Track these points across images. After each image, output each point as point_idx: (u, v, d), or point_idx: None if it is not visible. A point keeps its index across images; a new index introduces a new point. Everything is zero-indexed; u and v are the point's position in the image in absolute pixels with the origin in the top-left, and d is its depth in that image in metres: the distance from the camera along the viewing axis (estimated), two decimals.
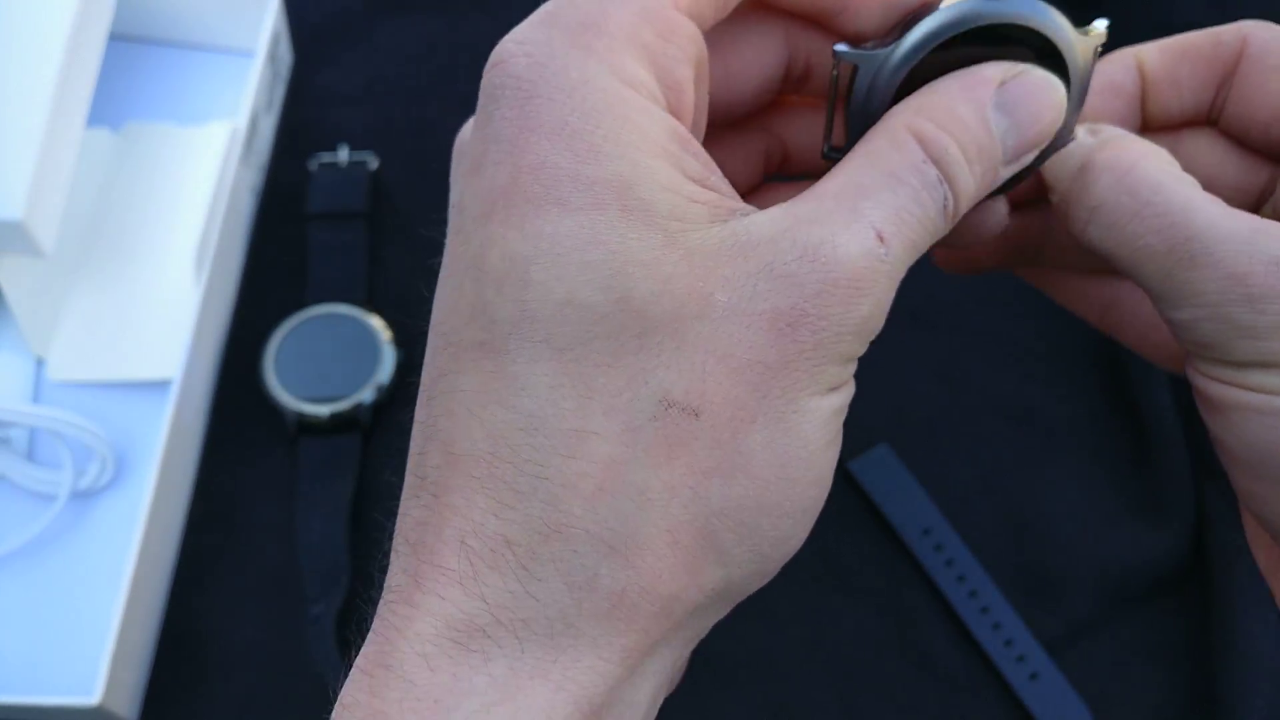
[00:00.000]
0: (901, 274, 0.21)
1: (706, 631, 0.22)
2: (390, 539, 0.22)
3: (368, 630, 0.21)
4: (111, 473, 0.45)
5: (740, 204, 0.21)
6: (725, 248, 0.20)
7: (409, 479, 0.22)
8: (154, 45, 0.55)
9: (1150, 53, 0.27)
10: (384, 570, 0.22)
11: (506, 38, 0.22)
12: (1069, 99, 0.24)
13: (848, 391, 0.21)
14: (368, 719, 0.19)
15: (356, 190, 0.51)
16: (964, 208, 0.22)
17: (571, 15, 0.21)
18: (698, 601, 0.21)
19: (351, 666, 0.21)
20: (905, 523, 0.44)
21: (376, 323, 0.47)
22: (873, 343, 0.22)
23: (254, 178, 0.51)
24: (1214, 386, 0.24)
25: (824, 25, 0.25)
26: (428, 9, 0.57)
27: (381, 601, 0.21)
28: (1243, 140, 0.26)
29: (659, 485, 0.20)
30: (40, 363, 0.47)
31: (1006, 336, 0.49)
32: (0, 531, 0.44)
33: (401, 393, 0.48)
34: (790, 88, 0.26)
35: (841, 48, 0.23)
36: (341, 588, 0.43)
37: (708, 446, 0.20)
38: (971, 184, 0.22)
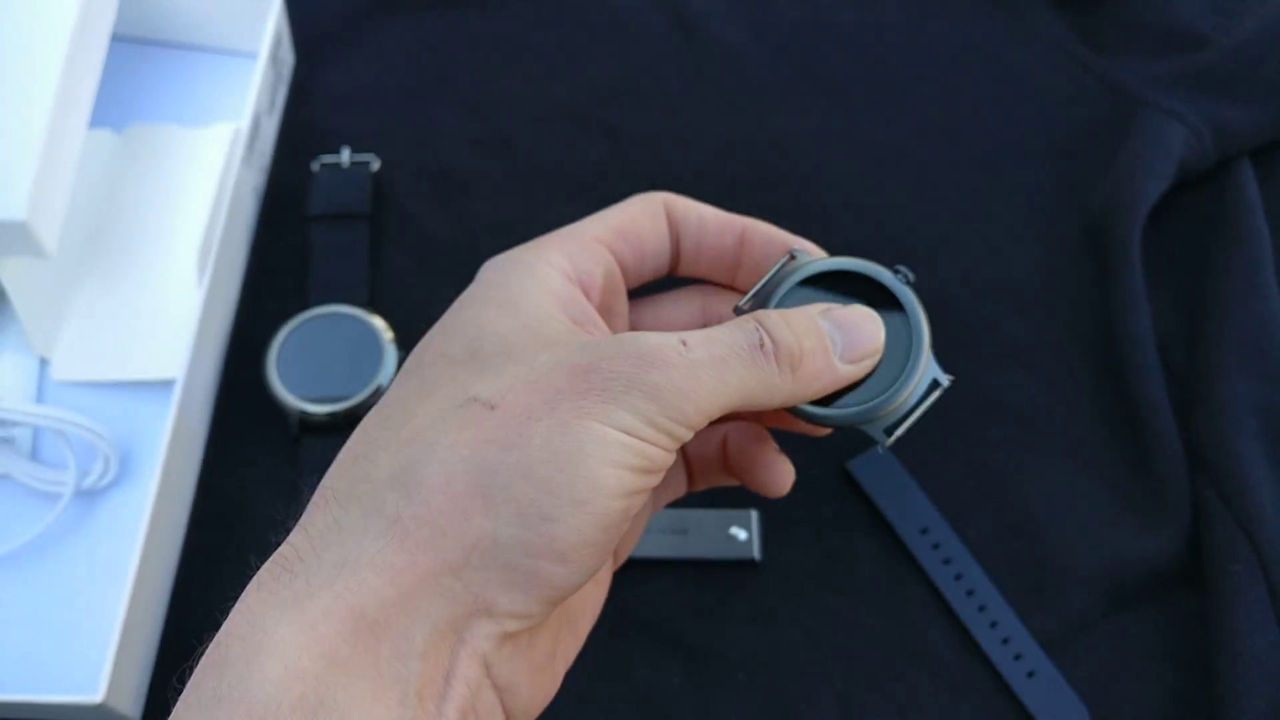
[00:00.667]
0: (716, 383, 0.27)
1: (500, 610, 0.26)
2: None
3: None
4: (115, 472, 0.45)
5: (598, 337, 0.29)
6: (566, 338, 0.28)
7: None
8: (157, 47, 0.55)
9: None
10: None
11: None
12: (914, 334, 0.31)
13: (652, 451, 0.27)
14: (216, 639, 0.25)
15: (358, 191, 0.51)
16: (787, 354, 0.29)
17: (536, 240, 0.32)
18: (465, 544, 0.26)
19: None
20: (902, 522, 0.44)
21: (378, 323, 0.48)
22: None
23: (256, 179, 0.52)
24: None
25: (727, 288, 0.35)
26: (429, 11, 0.57)
27: None
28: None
29: (446, 443, 0.26)
30: (44, 363, 0.48)
31: (1003, 335, 0.49)
32: (4, 530, 0.44)
33: None
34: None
35: (738, 303, 0.33)
36: None
37: (495, 426, 0.26)
38: (791, 338, 0.29)
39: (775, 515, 0.45)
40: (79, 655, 0.42)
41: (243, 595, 0.26)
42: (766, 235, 0.34)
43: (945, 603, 0.43)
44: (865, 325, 0.30)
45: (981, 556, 0.44)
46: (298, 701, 0.24)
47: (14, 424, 0.45)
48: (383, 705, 0.25)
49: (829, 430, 0.33)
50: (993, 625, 0.43)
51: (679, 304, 0.36)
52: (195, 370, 0.45)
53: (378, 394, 0.46)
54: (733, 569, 0.44)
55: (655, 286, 0.36)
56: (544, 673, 0.29)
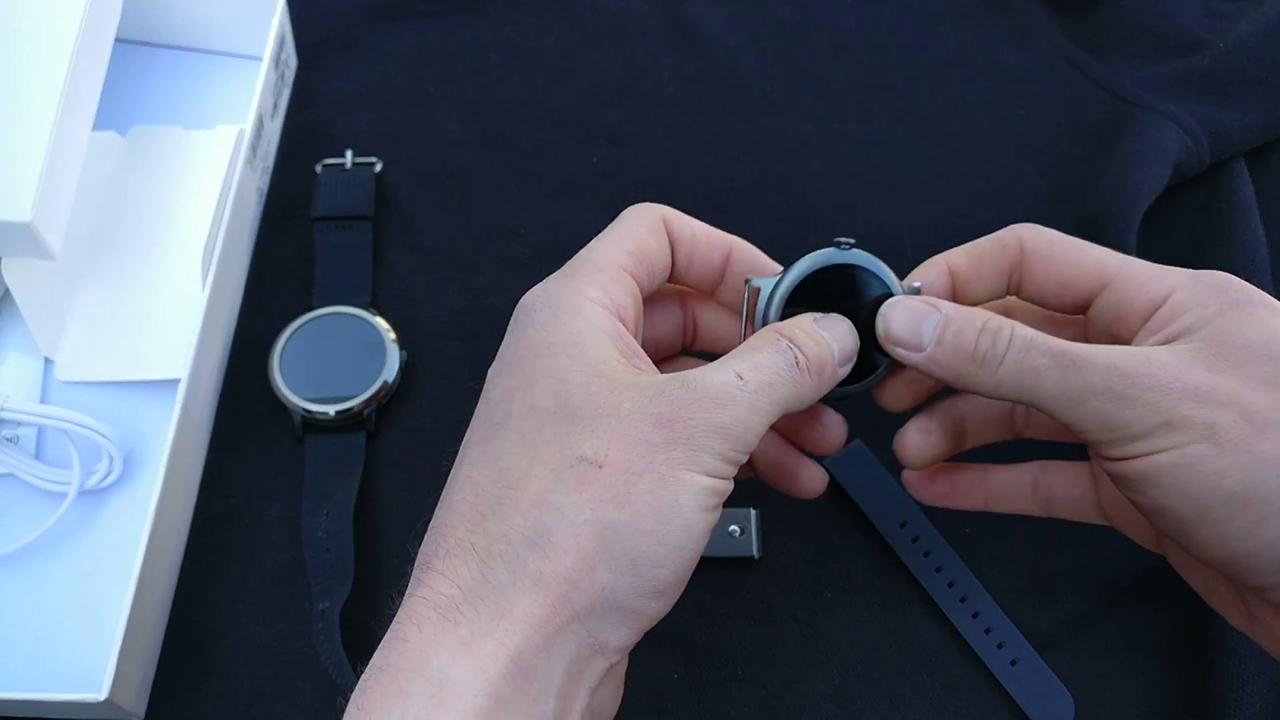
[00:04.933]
0: (768, 407, 0.31)
1: (610, 646, 0.30)
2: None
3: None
4: (119, 471, 0.45)
5: (654, 370, 0.33)
6: (635, 381, 0.31)
7: (431, 530, 0.32)
8: (160, 49, 0.55)
9: (957, 257, 0.38)
10: (401, 593, 0.31)
11: (530, 291, 0.35)
12: (888, 284, 0.36)
13: (724, 484, 0.31)
14: (375, 670, 0.29)
15: (361, 193, 0.52)
16: (816, 363, 0.33)
17: (559, 274, 0.35)
18: (591, 594, 0.29)
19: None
20: (882, 517, 0.45)
21: (381, 324, 0.48)
22: None
23: (260, 181, 0.52)
24: (1134, 464, 0.32)
25: (712, 298, 0.39)
26: (431, 15, 0.57)
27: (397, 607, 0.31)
28: (1045, 304, 0.38)
29: (570, 504, 0.30)
30: (49, 363, 0.48)
31: None
32: (10, 529, 0.45)
33: (405, 392, 0.48)
34: (688, 340, 0.40)
35: (751, 279, 0.37)
36: (346, 584, 0.43)
37: (606, 485, 0.30)
38: (816, 349, 0.33)
39: (774, 513, 0.45)
40: (83, 653, 0.42)
41: (399, 630, 0.29)
42: (750, 255, 0.38)
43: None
44: (846, 331, 0.35)
45: (976, 554, 0.44)
46: None
47: (19, 424, 0.45)
48: None
49: (837, 444, 0.39)
50: (975, 616, 0.43)
51: (665, 312, 0.39)
52: (199, 370, 0.45)
53: (380, 394, 0.46)
54: (732, 566, 0.45)
55: None
56: (619, 686, 0.33)
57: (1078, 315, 0.38)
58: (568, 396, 0.31)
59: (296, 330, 0.48)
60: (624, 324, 0.34)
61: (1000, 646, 0.43)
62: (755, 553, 0.44)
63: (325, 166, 0.52)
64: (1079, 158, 0.53)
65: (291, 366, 0.47)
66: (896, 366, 0.37)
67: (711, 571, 0.44)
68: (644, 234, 0.36)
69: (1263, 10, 0.53)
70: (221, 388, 0.48)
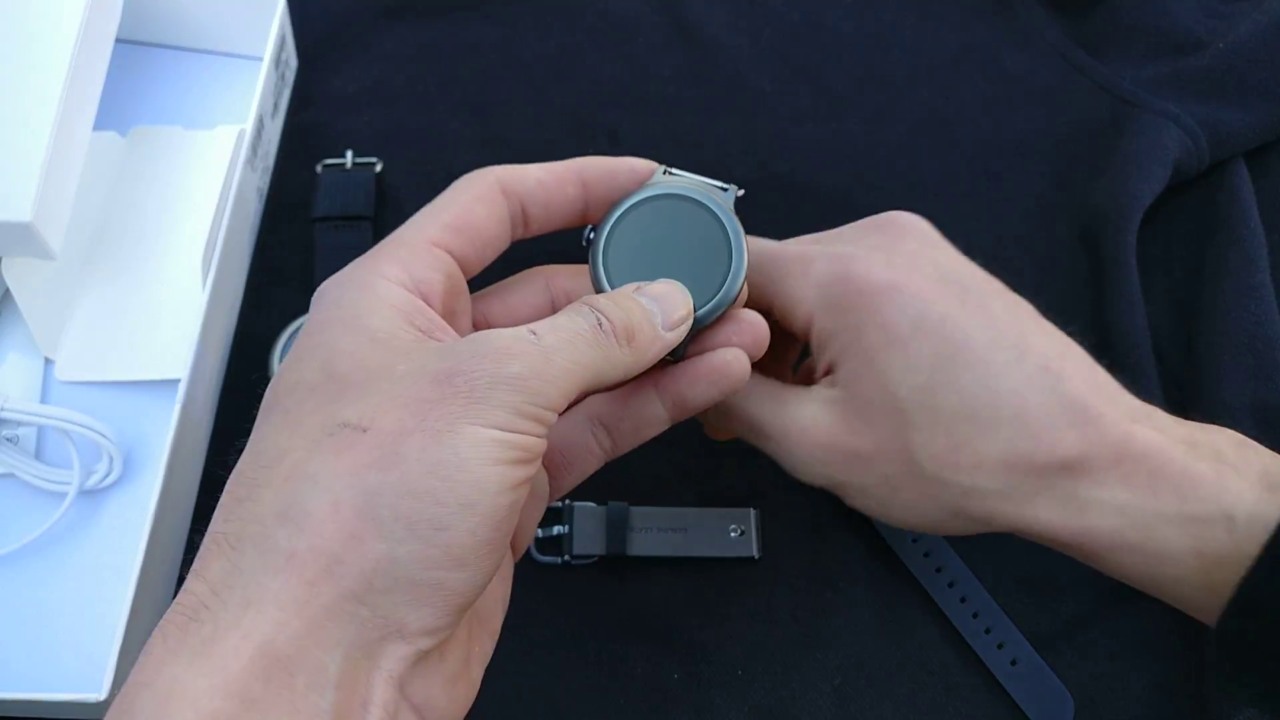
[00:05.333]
0: (567, 364, 0.29)
1: (411, 629, 0.27)
2: None
3: None
4: (119, 471, 0.45)
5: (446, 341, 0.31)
6: (417, 347, 0.29)
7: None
8: (161, 49, 0.55)
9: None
10: None
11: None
12: (733, 246, 0.35)
13: (525, 440, 0.28)
14: (123, 690, 0.25)
15: (361, 193, 0.52)
16: (623, 329, 0.31)
17: (370, 251, 0.33)
18: (364, 568, 0.26)
19: None
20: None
21: None
22: None
23: (260, 181, 0.52)
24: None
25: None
26: (431, 15, 0.57)
27: None
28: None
29: (327, 472, 0.27)
30: (49, 363, 0.48)
31: None
32: (9, 529, 0.45)
33: None
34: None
35: (587, 230, 0.36)
36: None
37: (370, 449, 0.27)
38: (622, 314, 0.31)
39: (774, 513, 0.45)
40: (83, 653, 0.42)
41: (146, 647, 0.26)
42: (605, 171, 0.36)
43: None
44: (675, 296, 0.33)
45: (976, 554, 0.44)
46: None
47: (19, 423, 0.45)
48: None
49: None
50: (975, 616, 0.43)
51: (524, 290, 0.37)
52: (199, 370, 0.45)
53: None
54: (732, 567, 0.45)
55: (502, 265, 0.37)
56: (460, 681, 0.30)
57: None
58: (335, 365, 0.29)
59: (296, 331, 0.47)
60: (427, 300, 0.32)
61: (1000, 647, 0.43)
62: (755, 553, 0.44)
63: (325, 167, 0.53)
64: (1078, 158, 0.53)
65: None
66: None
67: (711, 571, 0.44)
68: (468, 202, 0.34)
69: (1263, 10, 0.53)
70: (222, 388, 0.48)
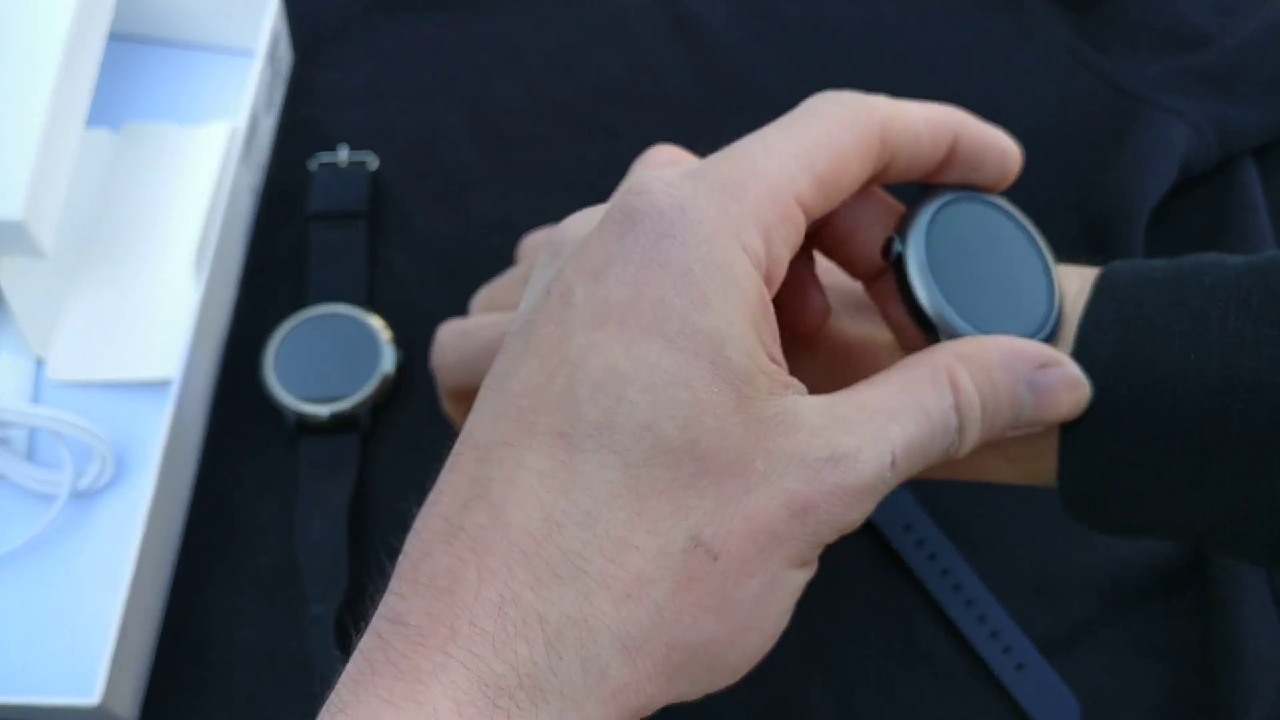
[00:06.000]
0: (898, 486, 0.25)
1: None
2: (393, 557, 0.24)
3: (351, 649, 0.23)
4: (111, 473, 0.45)
5: (792, 380, 0.25)
6: (776, 423, 0.24)
7: (437, 521, 0.24)
8: (154, 45, 0.55)
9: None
10: (382, 591, 0.24)
11: (652, 175, 0.25)
12: (1048, 264, 0.30)
13: (812, 570, 0.26)
14: None
15: (356, 190, 0.51)
16: (971, 441, 0.26)
17: (715, 177, 0.25)
18: (660, 704, 0.24)
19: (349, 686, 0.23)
20: (887, 520, 0.44)
21: (376, 323, 0.47)
22: None
23: (254, 177, 0.51)
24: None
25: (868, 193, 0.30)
26: (427, 9, 0.57)
27: (392, 630, 0.23)
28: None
29: (672, 607, 0.23)
30: (40, 362, 0.47)
31: None
32: (0, 531, 0.44)
33: (401, 393, 0.48)
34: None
35: (894, 242, 0.29)
36: (341, 588, 0.43)
37: (715, 587, 0.23)
38: (978, 436, 0.26)
39: None
40: (75, 657, 0.42)
41: (418, 686, 0.22)
42: (978, 140, 0.29)
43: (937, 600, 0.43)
44: (1063, 397, 0.27)
45: (982, 558, 0.44)
46: None
47: (10, 424, 0.45)
48: None
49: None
50: (980, 619, 0.43)
51: (867, 215, 0.30)
52: (192, 370, 0.44)
53: (376, 394, 0.46)
54: None
55: None
56: None
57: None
58: (699, 429, 0.23)
59: (291, 330, 0.47)
60: (769, 283, 0.25)
61: (1007, 651, 0.42)
62: None
63: (320, 163, 0.52)
64: (1085, 154, 0.53)
65: (285, 366, 0.46)
66: None
67: None
68: (847, 151, 0.27)
69: (1271, 7, 0.53)
70: (215, 388, 0.48)
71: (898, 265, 0.28)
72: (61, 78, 0.43)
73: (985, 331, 0.28)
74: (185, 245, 0.48)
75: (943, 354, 0.26)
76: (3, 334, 0.48)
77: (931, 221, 0.29)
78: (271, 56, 0.52)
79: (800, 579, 0.25)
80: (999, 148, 0.30)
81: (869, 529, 0.45)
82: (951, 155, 0.29)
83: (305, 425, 0.46)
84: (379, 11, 0.57)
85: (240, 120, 0.49)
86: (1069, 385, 0.27)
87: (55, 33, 0.44)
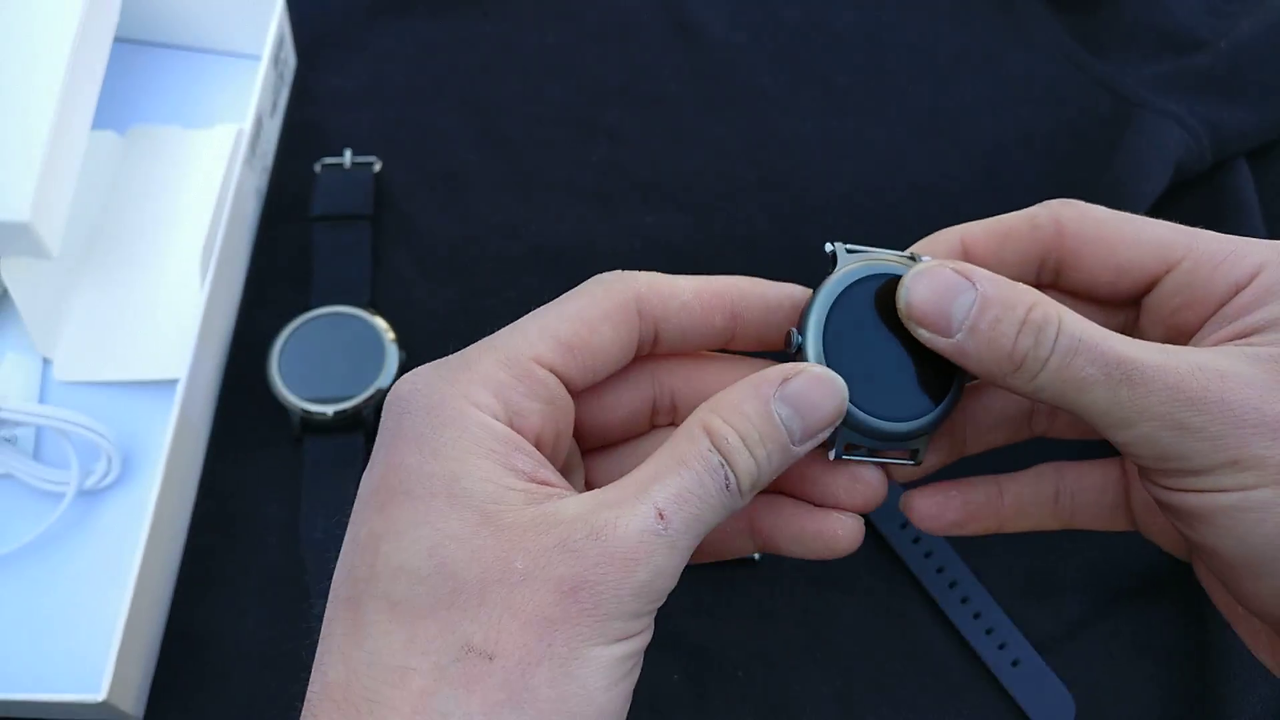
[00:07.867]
0: (691, 543, 0.26)
1: None
2: None
3: None
4: (117, 472, 0.45)
5: (562, 490, 0.27)
6: (532, 525, 0.26)
7: (306, 702, 0.27)
8: (159, 48, 0.55)
9: (975, 233, 0.32)
10: None
11: (405, 376, 0.28)
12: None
13: (641, 639, 0.26)
14: None
15: (360, 192, 0.51)
16: (749, 484, 0.27)
17: (456, 359, 0.28)
18: None
19: None
20: (883, 518, 0.45)
21: (380, 324, 0.48)
22: None
23: (258, 180, 0.52)
24: (1188, 498, 0.27)
25: (701, 359, 0.31)
26: (430, 13, 0.57)
27: None
28: (1091, 296, 0.31)
29: (459, 712, 0.25)
30: (47, 363, 0.48)
31: None
32: (7, 529, 0.45)
33: None
34: (661, 419, 0.32)
35: (793, 333, 0.29)
36: None
37: (499, 683, 0.25)
38: (753, 464, 0.27)
39: None
40: (81, 654, 0.42)
41: None
42: (760, 300, 0.30)
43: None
44: (818, 398, 0.28)
45: (978, 555, 0.44)
46: None
47: (17, 424, 0.45)
48: None
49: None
50: (976, 616, 0.43)
51: (628, 391, 0.31)
52: (197, 370, 0.45)
53: (379, 395, 0.46)
54: (732, 568, 0.44)
55: None
56: None
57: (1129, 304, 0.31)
58: (445, 555, 0.25)
59: (295, 330, 0.47)
60: (524, 433, 0.28)
61: (1002, 647, 0.43)
62: (756, 554, 0.44)
63: (324, 166, 0.52)
64: (1080, 157, 0.53)
65: (290, 367, 0.47)
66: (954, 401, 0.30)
67: (711, 572, 0.44)
68: (594, 319, 0.28)
69: (1265, 9, 0.53)
70: (220, 388, 0.48)
71: (797, 358, 0.29)
72: (68, 81, 0.44)
73: (883, 417, 0.29)
74: (190, 247, 0.48)
75: (697, 412, 0.28)
76: (10, 334, 0.48)
77: (834, 306, 0.29)
78: (276, 60, 0.52)
79: (616, 651, 0.25)
80: (788, 295, 0.30)
81: (867, 528, 0.45)
82: (736, 323, 0.30)
83: (310, 425, 0.46)
84: (381, 15, 0.57)
85: (245, 123, 0.49)
86: (816, 383, 0.28)
87: (62, 36, 0.44)
